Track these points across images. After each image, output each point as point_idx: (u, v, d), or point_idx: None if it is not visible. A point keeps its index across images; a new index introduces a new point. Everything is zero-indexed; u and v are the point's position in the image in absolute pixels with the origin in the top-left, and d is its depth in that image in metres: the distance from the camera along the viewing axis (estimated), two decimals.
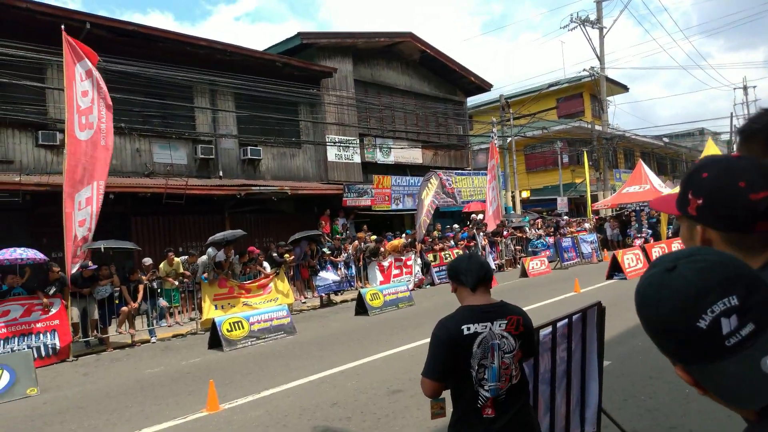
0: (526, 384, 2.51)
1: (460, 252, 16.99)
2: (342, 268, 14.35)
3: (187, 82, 15.16)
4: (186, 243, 15.29)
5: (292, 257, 13.17)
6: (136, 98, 14.31)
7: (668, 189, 23.67)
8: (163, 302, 10.99)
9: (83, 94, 8.85)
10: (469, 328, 2.27)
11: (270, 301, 11.40)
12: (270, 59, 17.04)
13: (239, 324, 9.18)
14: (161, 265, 11.35)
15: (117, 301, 10.18)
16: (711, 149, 22.14)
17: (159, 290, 10.97)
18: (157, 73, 14.03)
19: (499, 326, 2.31)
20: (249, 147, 16.53)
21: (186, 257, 11.89)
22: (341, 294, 14.35)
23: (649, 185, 23.80)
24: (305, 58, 18.32)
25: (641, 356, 6.52)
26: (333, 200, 18.13)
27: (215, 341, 8.97)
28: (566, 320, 4.00)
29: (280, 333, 9.53)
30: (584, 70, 29.20)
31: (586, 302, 11.51)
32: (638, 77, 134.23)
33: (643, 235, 21.89)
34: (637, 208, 25.01)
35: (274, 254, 13.19)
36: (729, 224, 1.07)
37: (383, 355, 7.54)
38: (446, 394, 2.39)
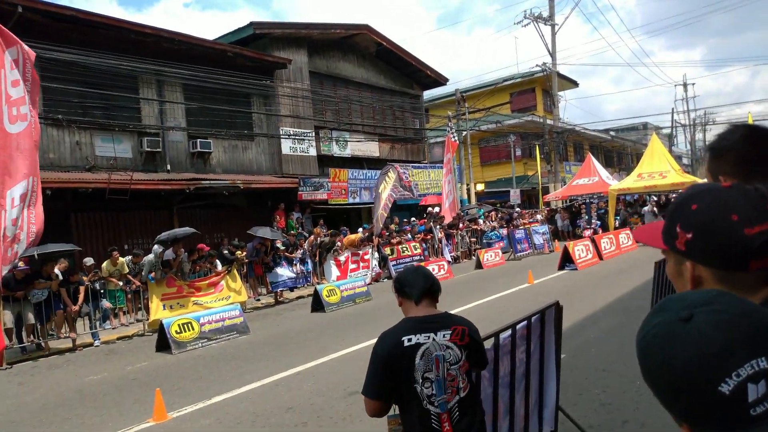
0: (477, 397, 2.42)
1: (417, 245, 17.00)
2: (297, 264, 14.08)
3: (132, 72, 14.47)
4: (132, 241, 14.66)
5: (245, 253, 12.81)
6: (76, 88, 13.55)
7: (615, 181, 24.41)
8: (106, 304, 10.46)
9: (14, 83, 8.23)
10: (410, 339, 2.18)
11: (221, 300, 11.04)
12: (221, 49, 16.48)
13: (189, 325, 8.82)
14: (104, 265, 10.80)
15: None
16: (655, 143, 23.03)
17: (102, 291, 10.43)
18: (98, 61, 13.31)
19: (443, 336, 2.22)
20: (199, 139, 15.97)
21: (130, 257, 11.33)
22: (297, 290, 14.07)
23: (598, 177, 24.51)
24: (258, 49, 17.83)
25: (594, 348, 6.61)
26: (288, 194, 17.78)
27: (163, 344, 8.58)
28: (525, 322, 3.95)
29: (232, 333, 9.22)
30: (537, 65, 29.71)
31: (540, 293, 11.75)
32: (587, 73, 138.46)
33: (592, 226, 22.48)
34: (587, 200, 25.72)
35: (226, 251, 12.80)
36: (721, 261, 0.97)
37: (340, 354, 7.38)
38: None
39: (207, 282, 11.27)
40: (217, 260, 12.19)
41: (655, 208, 21.37)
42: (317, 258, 14.68)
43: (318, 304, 11.20)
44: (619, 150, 44.73)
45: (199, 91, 15.88)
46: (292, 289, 13.93)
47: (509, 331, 3.69)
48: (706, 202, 0.99)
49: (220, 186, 15.25)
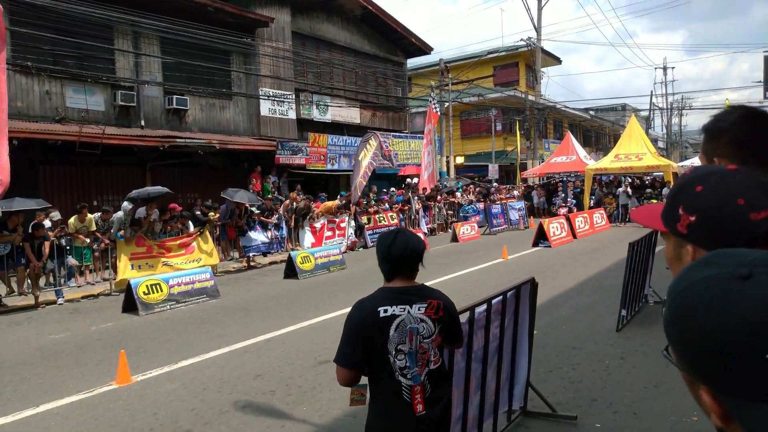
0: (446, 371, 2.38)
1: (394, 215, 16.92)
2: (272, 229, 13.89)
3: (107, 21, 13.80)
4: (102, 197, 14.26)
5: (217, 215, 12.56)
6: (47, 35, 12.90)
7: (593, 161, 24.61)
8: (72, 261, 10.16)
9: None
10: (386, 310, 2.13)
11: (192, 262, 10.83)
12: (201, 3, 15.81)
13: (157, 286, 8.63)
14: (71, 221, 10.45)
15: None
16: (633, 124, 23.20)
17: (68, 248, 10.12)
18: (71, 7, 12.65)
19: (418, 309, 2.17)
20: (175, 96, 15.45)
21: (100, 213, 10.98)
22: (270, 256, 13.92)
23: (576, 156, 24.70)
24: (240, 5, 17.18)
25: (565, 326, 6.66)
26: (265, 157, 17.44)
27: (130, 304, 8.39)
28: (501, 297, 3.92)
29: (202, 297, 9.06)
30: (521, 40, 29.44)
31: (513, 269, 11.81)
32: (570, 50, 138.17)
33: (567, 204, 22.69)
34: (564, 179, 25.92)
35: (199, 212, 12.53)
36: (725, 246, 0.90)
37: (312, 323, 7.31)
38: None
39: (178, 243, 11.03)
40: (189, 221, 11.92)
41: (629, 190, 21.62)
42: (292, 224, 14.51)
43: (291, 271, 11.09)
44: (597, 130, 45.04)
45: (177, 45, 15.30)
46: (265, 255, 13.77)
47: (485, 306, 3.65)
48: (712, 185, 0.96)
49: (196, 145, 14.85)
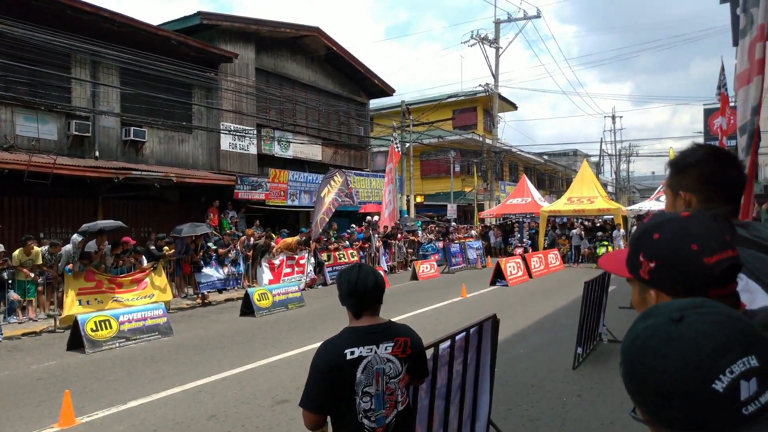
0: (412, 411, 2.35)
1: (354, 252, 16.87)
2: (228, 265, 13.60)
3: (65, 49, 13.56)
4: (50, 229, 13.69)
5: (172, 251, 12.23)
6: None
7: (547, 203, 25.35)
8: (14, 295, 9.63)
9: None
10: (353, 352, 2.09)
11: (144, 298, 10.45)
12: (165, 36, 15.80)
13: (107, 323, 8.25)
14: (15, 253, 9.96)
15: None
16: (585, 169, 24.16)
17: (10, 282, 9.61)
18: (28, 34, 12.39)
19: (385, 349, 2.14)
20: (133, 127, 15.18)
21: (48, 247, 10.49)
22: (226, 292, 13.58)
23: (531, 198, 25.42)
24: (204, 40, 17.24)
25: (523, 364, 6.72)
26: (224, 191, 17.20)
27: (76, 342, 7.97)
28: (464, 333, 3.93)
29: (154, 334, 8.71)
30: (480, 85, 30.50)
31: (472, 307, 11.85)
32: (526, 97, 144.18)
33: (523, 244, 23.19)
34: (520, 220, 26.56)
35: (153, 246, 12.18)
36: (683, 289, 1.00)
37: (269, 361, 7.12)
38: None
39: (130, 278, 10.64)
40: (142, 256, 11.56)
41: (582, 232, 22.33)
42: (250, 260, 14.25)
43: (248, 308, 10.82)
44: (550, 174, 46.60)
45: (137, 76, 15.13)
46: (220, 291, 13.43)
47: (448, 342, 3.65)
48: (668, 232, 1.03)
49: (152, 178, 14.53)
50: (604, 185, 36.15)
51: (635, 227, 22.70)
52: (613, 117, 52.38)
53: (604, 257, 1.33)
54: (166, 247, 12.05)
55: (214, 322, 10.32)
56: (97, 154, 14.57)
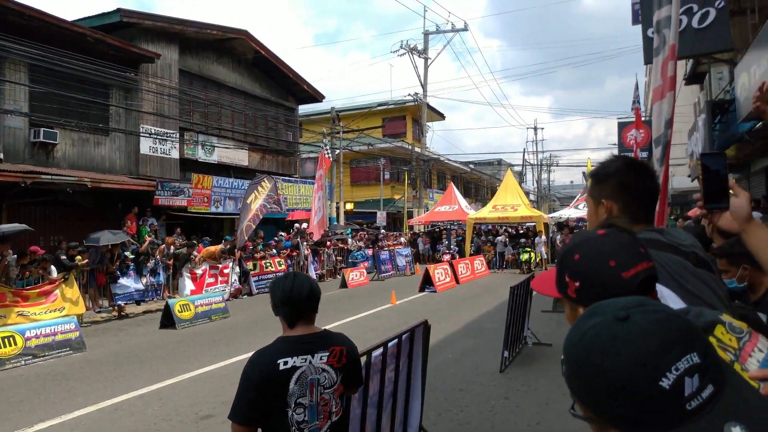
0: (346, 420, 2.31)
1: (282, 261, 16.56)
2: (147, 275, 12.94)
3: None
4: None
5: (86, 260, 11.47)
6: None
7: (473, 210, 26.08)
8: None
9: None
10: (286, 363, 2.03)
11: (54, 312, 9.69)
12: (80, 32, 14.84)
13: (11, 339, 7.59)
14: None
15: None
16: (509, 178, 25.11)
17: None
18: None
19: (320, 359, 2.09)
20: (42, 128, 14.13)
21: None
22: (145, 304, 12.90)
23: (458, 206, 26.06)
24: (124, 38, 16.38)
25: (451, 369, 6.81)
26: (143, 197, 16.37)
27: None
28: (396, 340, 3.92)
29: (64, 350, 8.11)
30: (409, 95, 30.99)
31: (402, 314, 11.92)
32: (453, 107, 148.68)
33: (450, 251, 23.70)
34: (447, 227, 27.13)
35: (63, 256, 11.37)
36: None
37: (191, 375, 6.80)
38: None
39: (37, 291, 9.84)
40: (51, 266, 10.74)
41: (506, 239, 23.11)
42: (171, 270, 13.63)
43: (168, 320, 10.32)
44: (476, 182, 48.02)
45: (49, 74, 14.12)
46: (138, 303, 12.74)
47: (381, 349, 3.63)
48: (586, 252, 1.08)
49: (64, 182, 13.58)
50: (527, 193, 37.70)
51: (556, 234, 23.83)
52: (535, 128, 54.82)
53: (535, 280, 1.36)
54: (78, 257, 11.28)
55: (131, 336, 9.75)
56: (1, 156, 13.45)
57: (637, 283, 1.02)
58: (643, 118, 16.23)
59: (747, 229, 1.34)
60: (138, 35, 17.18)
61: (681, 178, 18.98)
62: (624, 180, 1.55)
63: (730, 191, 1.34)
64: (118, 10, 16.45)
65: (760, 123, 9.70)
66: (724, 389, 0.69)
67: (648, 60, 10.91)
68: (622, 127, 18.32)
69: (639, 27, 11.63)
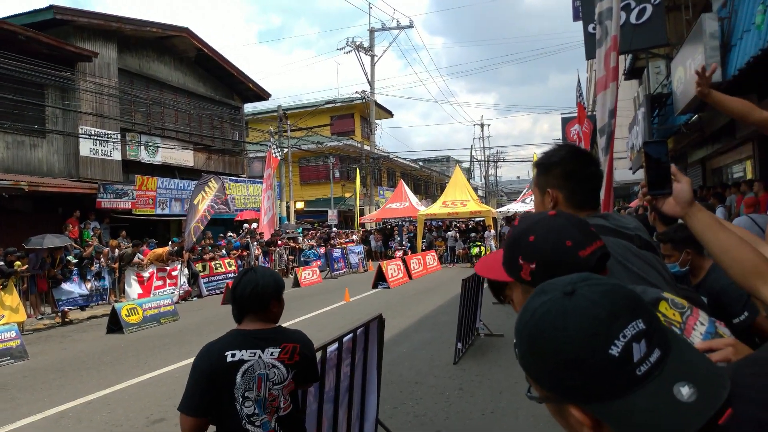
0: (299, 416, 2.33)
1: (232, 262, 16.29)
2: (92, 280, 12.47)
3: None
4: None
5: (25, 266, 10.95)
6: None
7: (423, 207, 26.39)
8: None
9: None
10: (234, 355, 2.04)
11: None
12: (10, 29, 14.11)
13: None
14: None
15: None
16: (458, 174, 25.55)
17: None
18: None
19: (271, 354, 2.10)
20: None
21: None
22: (90, 309, 12.43)
23: (408, 203, 26.31)
24: (59, 37, 15.68)
25: (407, 362, 6.91)
26: (84, 200, 15.76)
27: None
28: (351, 334, 3.96)
29: (5, 359, 7.74)
30: (356, 92, 31.01)
31: (356, 310, 11.98)
32: (400, 105, 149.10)
33: (403, 247, 23.93)
34: (399, 223, 27.35)
35: (1, 262, 10.80)
36: None
37: (141, 380, 6.64)
38: None
39: None
40: None
41: (457, 234, 23.54)
42: (117, 273, 13.19)
43: (115, 325, 10.01)
44: (426, 179, 48.57)
45: None
46: (83, 308, 12.28)
47: (336, 344, 3.66)
48: (541, 233, 1.08)
49: None
50: (475, 189, 38.44)
51: (504, 228, 24.42)
52: (482, 125, 55.84)
53: (478, 264, 1.33)
54: (17, 262, 10.76)
55: (76, 342, 9.41)
56: None
57: (593, 262, 1.04)
58: (587, 114, 16.82)
59: (690, 213, 1.37)
60: (73, 33, 16.51)
61: (622, 171, 19.57)
62: (569, 168, 1.57)
63: (673, 177, 1.38)
64: (51, 7, 15.75)
65: (696, 116, 10.29)
66: (669, 353, 0.71)
67: (590, 55, 11.32)
68: (566, 122, 18.90)
69: (580, 24, 12.02)
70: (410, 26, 31.33)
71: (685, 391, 0.68)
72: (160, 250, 14.41)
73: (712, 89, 2.19)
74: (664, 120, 11.36)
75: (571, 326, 0.71)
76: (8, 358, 7.82)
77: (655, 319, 0.74)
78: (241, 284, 2.13)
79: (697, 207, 1.38)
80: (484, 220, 23.38)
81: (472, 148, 48.93)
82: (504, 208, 30.66)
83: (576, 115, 16.75)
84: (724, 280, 2.50)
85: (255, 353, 2.07)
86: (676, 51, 10.05)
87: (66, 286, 11.70)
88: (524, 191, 30.91)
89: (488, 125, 74.04)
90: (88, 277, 12.43)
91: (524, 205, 25.90)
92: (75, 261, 12.27)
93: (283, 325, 2.25)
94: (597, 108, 4.07)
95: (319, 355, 3.31)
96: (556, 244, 1.06)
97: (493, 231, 22.27)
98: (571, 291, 0.75)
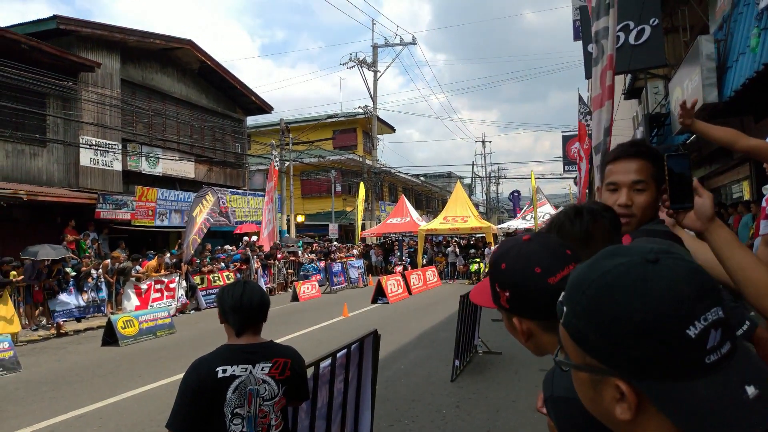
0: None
1: (231, 275, 16.22)
2: (89, 291, 12.40)
3: None
4: None
5: (21, 276, 10.90)
6: None
7: (424, 222, 26.35)
8: None
9: None
10: (225, 371, 2.00)
11: None
12: (13, 38, 14.22)
13: None
14: None
15: None
16: (459, 190, 25.55)
17: None
18: None
19: (262, 369, 2.06)
20: None
21: None
22: (86, 321, 12.34)
23: (409, 218, 26.27)
24: (62, 47, 15.79)
25: (403, 380, 6.82)
26: (83, 210, 15.74)
27: None
28: (345, 350, 3.90)
29: None
30: (359, 107, 31.16)
31: (354, 326, 11.88)
32: (403, 121, 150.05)
33: (403, 262, 23.84)
34: (399, 238, 27.30)
35: None
36: (537, 313, 1.03)
37: (135, 393, 6.54)
38: None
39: None
40: None
41: (457, 249, 23.46)
42: (114, 285, 13.11)
43: (111, 337, 9.91)
44: (427, 194, 48.60)
45: None
46: (79, 320, 12.19)
47: (329, 360, 3.60)
48: (512, 261, 1.06)
49: None
50: (476, 205, 38.43)
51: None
52: (483, 142, 56.04)
53: (472, 291, 1.31)
54: (13, 272, 10.71)
55: (71, 354, 9.31)
56: None
57: (563, 290, 1.01)
58: (588, 132, 16.86)
59: (710, 229, 1.36)
60: (77, 43, 16.62)
61: None
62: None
63: (694, 191, 1.36)
64: (55, 17, 15.88)
65: (694, 136, 10.32)
66: (737, 350, 0.68)
67: (589, 75, 11.39)
68: (567, 140, 18.95)
69: (580, 43, 12.10)
70: (413, 43, 31.61)
71: (751, 391, 0.65)
72: (153, 263, 14.32)
73: (696, 119, 2.21)
74: (662, 140, 11.38)
75: (653, 294, 0.66)
76: (0, 369, 7.73)
77: (732, 313, 0.71)
78: (248, 293, 2.09)
79: (718, 223, 1.37)
80: (484, 237, 23.32)
81: (473, 165, 49.00)
82: (505, 225, 30.63)
83: (577, 133, 16.78)
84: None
85: (246, 368, 2.03)
86: (674, 72, 10.09)
87: (62, 297, 11.61)
88: (524, 208, 30.88)
89: (490, 142, 74.24)
90: (85, 289, 12.35)
91: (524, 221, 25.86)
92: (74, 274, 12.20)
93: (282, 339, 2.20)
94: (593, 126, 4.04)
95: (311, 370, 3.25)
96: (525, 272, 1.03)
97: (493, 247, 22.19)
98: (654, 259, 0.69)
